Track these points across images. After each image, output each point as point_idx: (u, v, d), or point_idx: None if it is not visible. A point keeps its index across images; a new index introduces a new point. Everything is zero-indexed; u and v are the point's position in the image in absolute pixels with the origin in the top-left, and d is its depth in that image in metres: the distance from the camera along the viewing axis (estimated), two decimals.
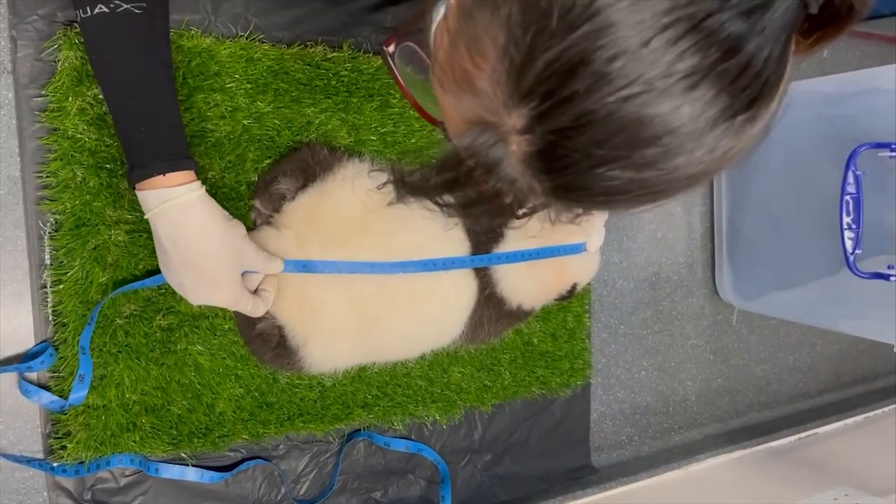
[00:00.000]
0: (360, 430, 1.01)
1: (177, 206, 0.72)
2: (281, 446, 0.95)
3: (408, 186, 0.59)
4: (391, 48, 0.60)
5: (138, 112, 0.71)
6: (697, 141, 0.42)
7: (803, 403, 1.51)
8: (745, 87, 0.42)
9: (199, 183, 0.74)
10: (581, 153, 0.43)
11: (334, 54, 0.93)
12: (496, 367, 1.09)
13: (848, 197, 1.08)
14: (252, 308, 0.81)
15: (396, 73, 0.61)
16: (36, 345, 0.81)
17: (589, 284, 1.17)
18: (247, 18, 0.89)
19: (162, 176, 0.71)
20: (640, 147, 0.42)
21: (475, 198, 0.57)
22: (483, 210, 0.58)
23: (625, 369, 1.27)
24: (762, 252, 1.29)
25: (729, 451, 1.30)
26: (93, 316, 0.80)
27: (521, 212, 0.60)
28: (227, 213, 0.78)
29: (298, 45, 0.91)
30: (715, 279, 1.35)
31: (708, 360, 1.37)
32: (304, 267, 0.84)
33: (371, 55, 0.96)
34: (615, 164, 0.43)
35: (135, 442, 0.85)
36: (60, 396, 0.81)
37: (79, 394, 0.80)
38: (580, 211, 0.51)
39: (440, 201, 0.62)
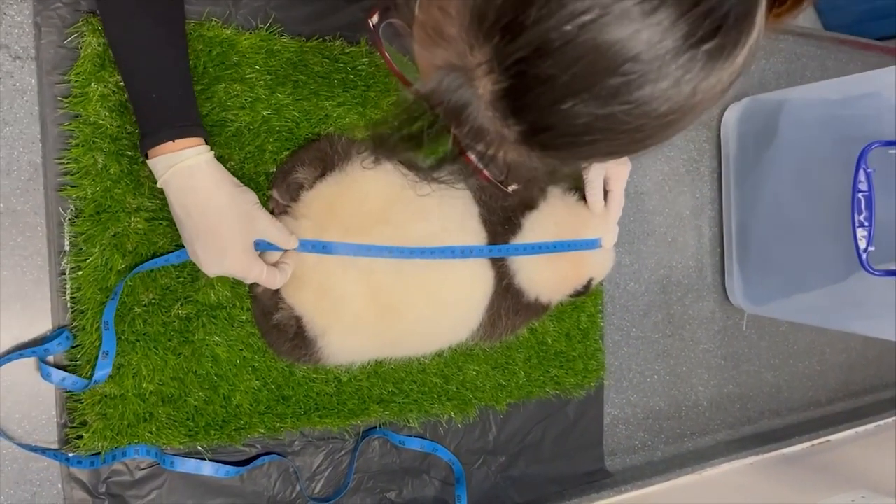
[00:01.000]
0: (375, 427, 1.00)
1: (184, 168, 0.73)
2: (296, 442, 0.94)
3: (380, 144, 0.57)
4: (374, 19, 0.59)
5: (150, 80, 0.72)
6: (660, 71, 0.41)
7: (814, 412, 1.50)
8: (707, 13, 0.41)
9: (207, 147, 0.75)
10: (543, 87, 0.42)
11: (352, 49, 0.94)
12: (511, 365, 1.08)
13: (860, 194, 1.08)
14: (267, 277, 0.80)
15: (381, 44, 0.60)
16: (53, 331, 0.81)
17: (601, 285, 1.17)
18: (266, 12, 0.90)
19: (171, 142, 0.72)
20: (601, 76, 0.41)
21: (445, 155, 0.56)
22: (455, 171, 0.57)
23: (637, 373, 1.26)
24: (772, 255, 1.29)
25: (742, 457, 1.30)
26: (117, 290, 0.80)
27: (494, 172, 0.59)
28: (236, 180, 0.79)
29: (317, 39, 0.92)
30: (725, 284, 1.35)
31: (719, 365, 1.36)
32: (323, 248, 0.84)
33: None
34: (578, 98, 0.42)
35: (151, 433, 0.84)
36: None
37: (103, 371, 0.79)
38: (554, 163, 0.50)
39: (412, 163, 0.61)
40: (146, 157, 0.74)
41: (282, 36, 0.90)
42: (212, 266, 0.77)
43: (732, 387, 1.38)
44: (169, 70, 0.74)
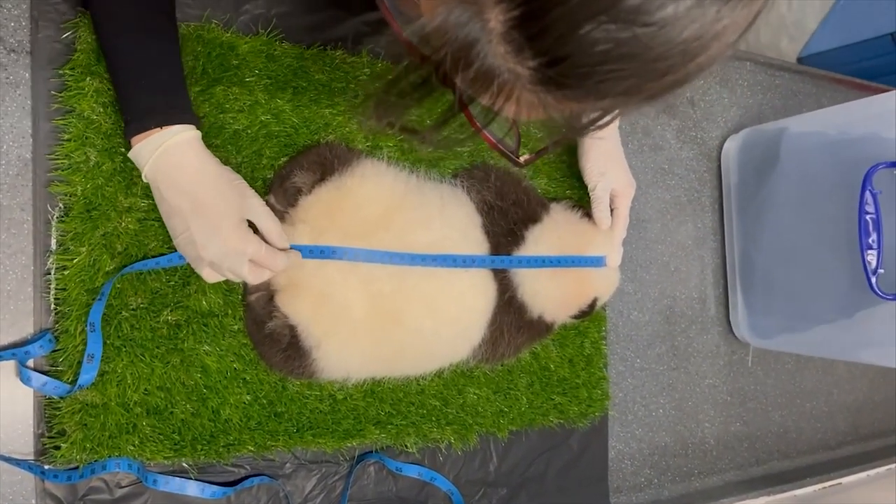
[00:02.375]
0: (371, 451, 0.94)
1: (172, 145, 0.71)
2: (287, 465, 0.89)
3: (377, 102, 0.55)
4: None
5: (139, 65, 0.70)
6: None
7: (823, 455, 1.44)
8: None
9: (194, 128, 0.74)
10: (560, 9, 0.40)
11: (354, 59, 0.93)
12: (513, 391, 1.04)
13: (867, 217, 1.07)
14: (266, 256, 0.76)
15: (388, 10, 0.55)
16: (35, 335, 0.76)
17: (604, 310, 1.13)
18: (268, 19, 0.89)
19: (159, 129, 0.71)
20: None
21: (446, 112, 0.53)
22: (459, 130, 0.54)
23: (642, 406, 1.21)
24: (777, 286, 1.27)
25: (753, 497, 1.24)
26: (104, 291, 0.76)
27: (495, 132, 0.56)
28: (220, 163, 0.77)
29: (318, 47, 0.91)
30: (729, 316, 1.32)
31: (725, 401, 1.32)
32: (321, 252, 0.81)
33: (390, 62, 0.96)
34: (596, 21, 0.39)
35: (134, 446, 0.79)
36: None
37: (88, 375, 0.75)
38: (571, 107, 0.47)
39: (411, 127, 0.58)
40: (130, 144, 0.72)
41: (283, 42, 0.89)
42: (209, 246, 0.73)
43: (739, 425, 1.33)
44: (159, 55, 0.72)
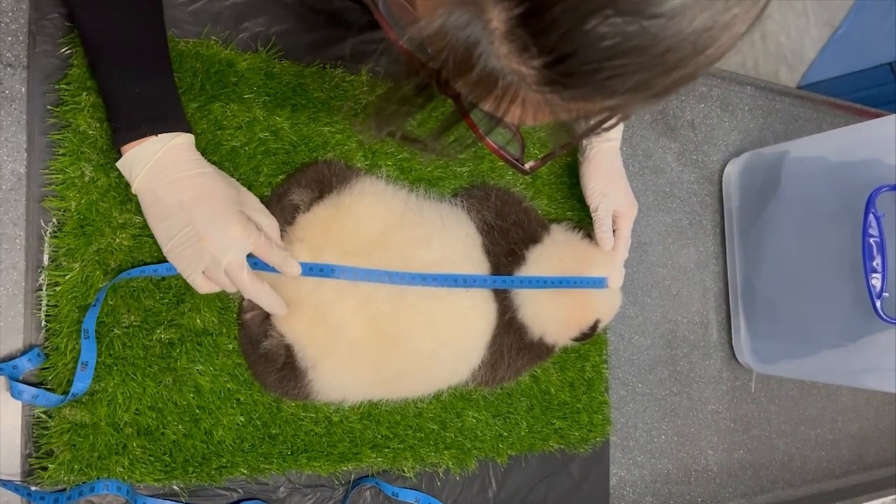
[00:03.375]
0: (367, 476, 0.92)
1: (170, 147, 0.71)
2: (281, 488, 0.87)
3: (376, 111, 0.54)
4: None
5: (133, 70, 0.70)
6: None
7: (828, 484, 1.42)
8: None
9: (189, 134, 0.74)
10: (563, 4, 0.38)
11: (353, 77, 0.93)
12: (512, 415, 1.02)
13: (871, 240, 1.06)
14: (266, 246, 0.76)
15: (382, 16, 0.54)
16: (23, 350, 0.75)
17: (605, 333, 1.12)
18: (267, 37, 0.89)
19: (154, 136, 0.70)
20: None
21: (449, 119, 0.52)
22: (461, 138, 0.53)
23: (644, 431, 1.19)
24: (780, 310, 1.25)
25: None
26: (99, 297, 0.75)
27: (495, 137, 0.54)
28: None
29: (318, 65, 0.90)
30: (732, 341, 1.30)
31: (728, 428, 1.29)
32: (321, 271, 0.80)
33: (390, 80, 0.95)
34: (602, 15, 0.38)
35: (123, 467, 0.76)
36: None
37: (82, 383, 0.73)
38: (578, 107, 0.45)
39: (411, 135, 0.56)
40: (119, 152, 0.72)
41: (282, 60, 0.88)
42: (211, 234, 0.72)
43: (743, 452, 1.31)
44: (153, 62, 0.71)
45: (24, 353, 0.74)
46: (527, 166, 0.58)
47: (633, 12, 0.38)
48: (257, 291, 0.76)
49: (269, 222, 0.79)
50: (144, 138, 0.70)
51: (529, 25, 0.40)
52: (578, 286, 0.94)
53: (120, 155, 0.73)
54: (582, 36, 0.39)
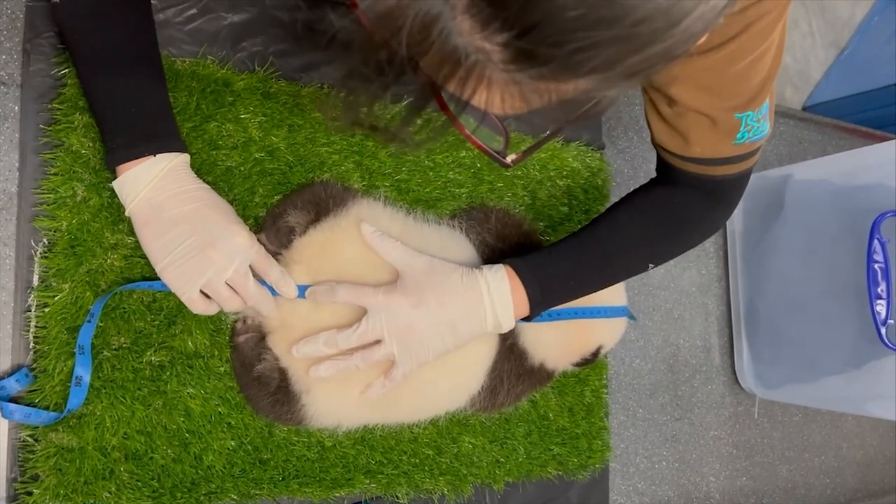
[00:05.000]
0: (360, 502, 0.90)
1: (171, 166, 0.71)
2: None
3: (342, 93, 0.52)
4: None
5: (126, 91, 0.69)
6: None
7: None
8: None
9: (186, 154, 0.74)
10: None
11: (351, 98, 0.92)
12: (510, 440, 1.00)
13: (875, 266, 1.04)
14: (265, 259, 0.76)
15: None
16: (11, 372, 0.74)
17: (605, 358, 1.10)
18: (264, 57, 0.88)
19: (152, 156, 0.69)
20: None
21: (417, 101, 0.49)
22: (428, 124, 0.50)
23: (644, 457, 1.17)
24: (784, 335, 1.23)
25: None
26: (94, 312, 0.74)
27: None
28: None
29: (315, 84, 0.90)
30: (734, 366, 1.28)
31: (730, 454, 1.27)
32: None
33: (388, 102, 0.94)
34: None
35: (110, 493, 0.75)
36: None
37: (77, 399, 0.72)
38: (547, 88, 0.42)
39: (378, 125, 0.54)
40: (114, 172, 0.71)
41: (279, 80, 0.88)
42: (221, 242, 0.72)
43: (746, 479, 1.29)
44: (148, 82, 0.71)
45: (11, 373, 0.73)
46: (508, 159, 0.56)
47: None
48: (260, 299, 0.76)
49: (252, 238, 0.78)
50: (142, 158, 0.69)
51: None
52: (597, 316, 0.92)
53: (114, 174, 0.72)
54: (545, 4, 0.37)
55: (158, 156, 0.71)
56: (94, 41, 0.69)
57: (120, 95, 0.70)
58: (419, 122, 0.53)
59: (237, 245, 0.73)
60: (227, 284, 0.73)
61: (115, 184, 0.72)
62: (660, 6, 0.37)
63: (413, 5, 0.39)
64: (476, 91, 0.43)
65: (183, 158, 0.73)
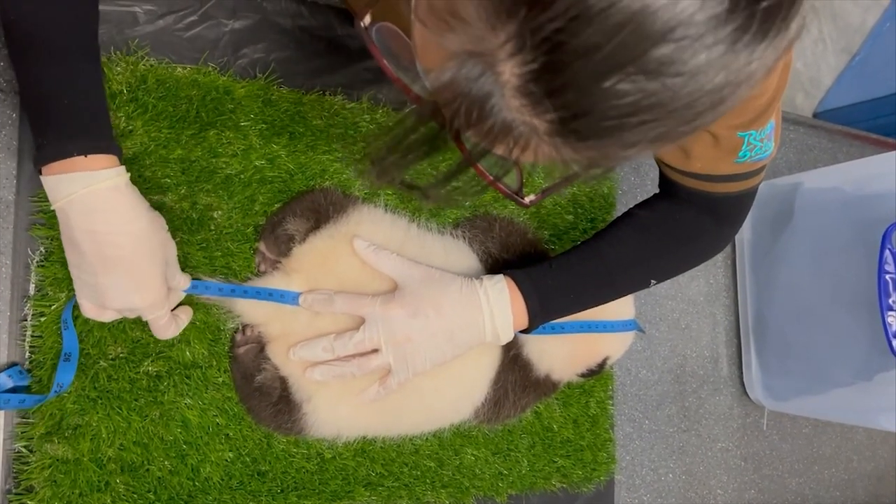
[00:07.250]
0: None
1: (101, 191, 0.64)
2: None
3: (379, 160, 0.53)
4: (366, 20, 0.52)
5: (59, 82, 0.63)
6: (715, 33, 0.36)
7: None
8: None
9: (123, 168, 0.66)
10: (582, 61, 0.37)
11: (353, 105, 0.91)
12: (513, 452, 0.99)
13: (887, 276, 1.02)
14: (164, 324, 0.73)
15: (376, 47, 0.51)
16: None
17: (611, 368, 1.09)
18: (266, 64, 0.87)
19: (83, 157, 0.63)
20: (649, 44, 0.36)
21: (452, 167, 0.51)
22: (467, 184, 0.52)
23: (650, 470, 1.16)
24: (793, 346, 1.22)
25: None
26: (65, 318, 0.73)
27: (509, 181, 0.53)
28: (148, 204, 0.69)
29: (317, 92, 0.89)
30: (743, 377, 1.27)
31: (739, 466, 1.25)
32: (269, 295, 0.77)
33: (391, 109, 0.94)
34: (623, 73, 0.37)
35: None
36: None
37: (68, 375, 0.71)
38: (592, 156, 0.43)
39: (413, 184, 0.54)
40: (40, 171, 0.65)
41: (280, 87, 0.87)
42: (117, 300, 0.67)
43: (754, 492, 1.27)
44: (84, 75, 0.65)
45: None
46: (526, 200, 0.56)
47: (657, 71, 0.37)
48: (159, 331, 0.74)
49: (181, 281, 0.75)
50: (71, 160, 0.63)
51: (544, 81, 0.38)
52: (605, 330, 0.91)
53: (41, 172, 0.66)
54: (600, 93, 0.38)
55: (97, 172, 0.64)
56: (23, 19, 0.63)
57: (55, 86, 0.64)
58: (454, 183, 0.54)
59: (133, 305, 0.69)
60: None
61: (43, 182, 0.65)
62: (707, 93, 0.39)
63: (467, 84, 0.41)
64: (521, 156, 0.45)
65: (115, 181, 0.65)
